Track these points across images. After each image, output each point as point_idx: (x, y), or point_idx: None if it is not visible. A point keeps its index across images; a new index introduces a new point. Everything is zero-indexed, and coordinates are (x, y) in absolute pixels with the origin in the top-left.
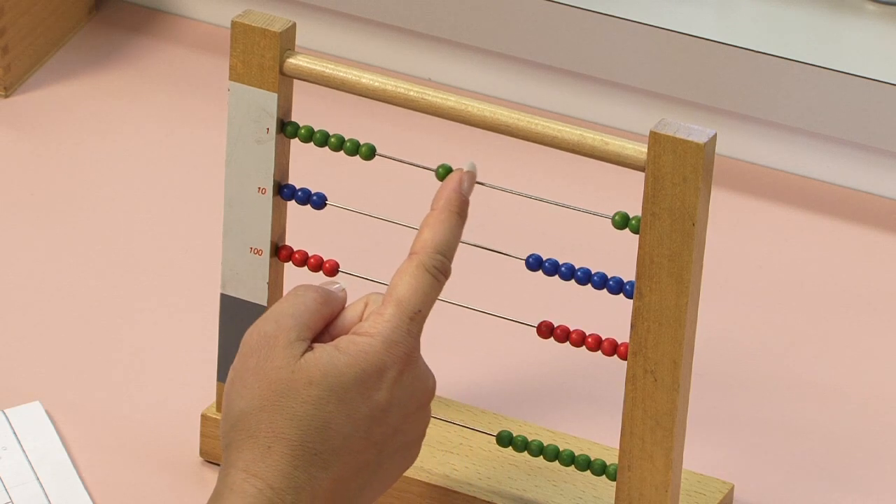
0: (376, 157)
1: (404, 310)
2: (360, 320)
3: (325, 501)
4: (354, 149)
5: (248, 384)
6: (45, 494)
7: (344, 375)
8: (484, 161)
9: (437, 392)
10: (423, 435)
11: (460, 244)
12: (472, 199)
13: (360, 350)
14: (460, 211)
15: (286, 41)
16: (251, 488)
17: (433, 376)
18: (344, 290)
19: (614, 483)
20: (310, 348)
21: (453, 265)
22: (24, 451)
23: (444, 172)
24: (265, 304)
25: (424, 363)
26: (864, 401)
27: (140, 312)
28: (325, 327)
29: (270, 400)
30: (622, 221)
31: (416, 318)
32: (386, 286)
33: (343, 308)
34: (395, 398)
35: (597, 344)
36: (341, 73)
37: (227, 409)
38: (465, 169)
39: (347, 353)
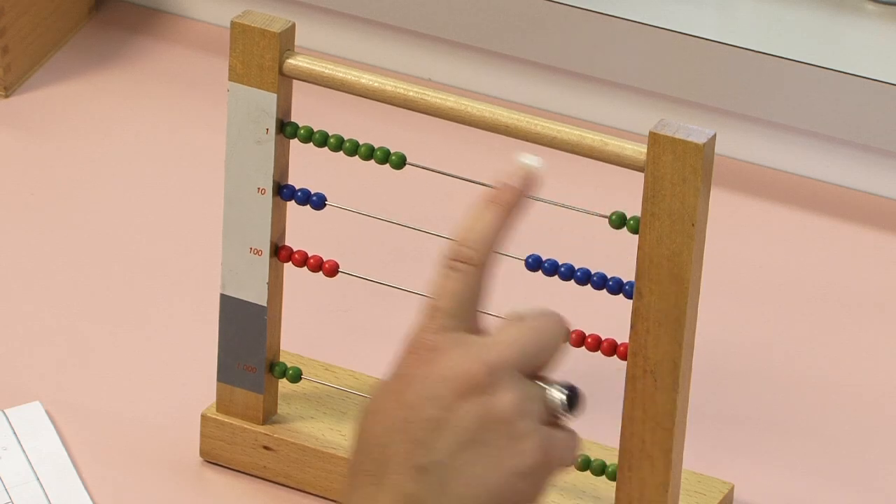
0: (379, 159)
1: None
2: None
3: None
4: (354, 149)
5: None
6: (45, 494)
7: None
8: (484, 161)
9: None
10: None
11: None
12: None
13: None
14: (493, 198)
15: (286, 41)
16: None
17: (477, 361)
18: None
19: (614, 483)
20: None
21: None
22: (24, 451)
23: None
24: (265, 304)
25: (460, 353)
26: (864, 401)
27: (140, 312)
28: None
29: None
30: (619, 221)
31: (427, 311)
32: (385, 286)
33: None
34: (413, 385)
35: (596, 344)
36: (341, 74)
37: None
38: (522, 160)
39: None
